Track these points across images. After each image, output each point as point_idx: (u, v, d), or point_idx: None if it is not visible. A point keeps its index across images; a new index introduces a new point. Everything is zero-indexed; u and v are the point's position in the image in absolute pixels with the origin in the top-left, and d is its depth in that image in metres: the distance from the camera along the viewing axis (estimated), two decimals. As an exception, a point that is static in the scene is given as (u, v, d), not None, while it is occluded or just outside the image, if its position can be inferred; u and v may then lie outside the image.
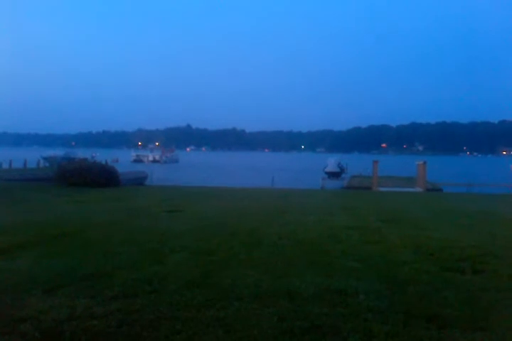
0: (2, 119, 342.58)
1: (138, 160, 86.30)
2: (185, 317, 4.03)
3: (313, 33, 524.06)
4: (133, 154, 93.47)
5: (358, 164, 47.66)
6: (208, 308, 4.24)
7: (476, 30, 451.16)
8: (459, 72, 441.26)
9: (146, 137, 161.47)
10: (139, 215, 11.25)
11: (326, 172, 42.54)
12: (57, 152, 54.85)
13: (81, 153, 57.55)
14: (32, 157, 47.91)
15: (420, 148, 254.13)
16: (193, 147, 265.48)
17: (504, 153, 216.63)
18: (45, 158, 49.86)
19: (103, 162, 38.18)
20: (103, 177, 22.15)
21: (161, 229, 8.93)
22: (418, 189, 25.83)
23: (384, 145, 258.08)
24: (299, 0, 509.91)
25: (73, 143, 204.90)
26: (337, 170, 44.78)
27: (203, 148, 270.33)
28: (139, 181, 31.76)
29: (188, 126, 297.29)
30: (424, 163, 26.85)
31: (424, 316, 4.12)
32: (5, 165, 40.57)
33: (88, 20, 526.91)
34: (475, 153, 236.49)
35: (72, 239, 7.83)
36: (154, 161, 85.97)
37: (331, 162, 45.33)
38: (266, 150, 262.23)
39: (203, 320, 3.98)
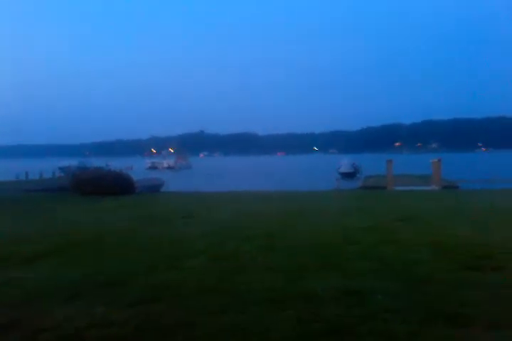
0: (17, 131, 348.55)
1: (153, 167, 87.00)
2: (202, 322, 4.03)
3: (325, 33, 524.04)
4: (148, 161, 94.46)
5: (372, 164, 47.37)
6: (225, 313, 4.23)
7: (490, 25, 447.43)
8: (471, 66, 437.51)
9: (160, 144, 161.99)
10: (154, 222, 11.28)
11: (340, 173, 42.28)
12: (72, 162, 55.40)
13: (95, 162, 58.11)
14: (48, 167, 48.46)
15: (435, 145, 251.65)
16: (206, 153, 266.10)
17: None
18: (60, 168, 50.39)
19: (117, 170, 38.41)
20: (118, 185, 22.15)
21: (176, 234, 8.95)
22: (434, 187, 25.54)
23: (398, 143, 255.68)
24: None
25: (87, 153, 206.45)
26: (351, 170, 44.46)
27: (216, 154, 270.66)
28: (155, 188, 31.70)
29: (201, 131, 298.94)
30: (439, 160, 26.52)
31: (444, 315, 4.05)
32: (21, 177, 41.08)
33: (102, 32, 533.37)
34: (491, 149, 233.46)
35: (89, 247, 7.87)
36: (169, 168, 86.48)
37: (345, 163, 45.03)
38: (278, 153, 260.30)
39: (220, 324, 3.97)
